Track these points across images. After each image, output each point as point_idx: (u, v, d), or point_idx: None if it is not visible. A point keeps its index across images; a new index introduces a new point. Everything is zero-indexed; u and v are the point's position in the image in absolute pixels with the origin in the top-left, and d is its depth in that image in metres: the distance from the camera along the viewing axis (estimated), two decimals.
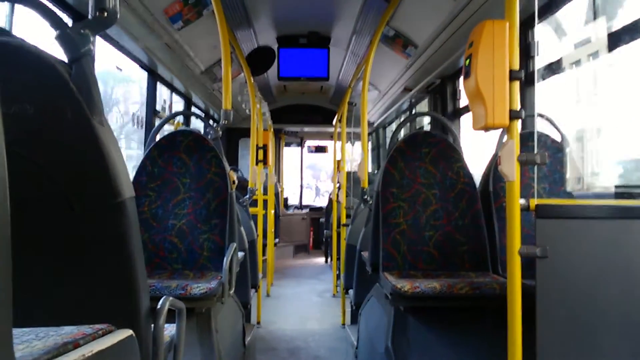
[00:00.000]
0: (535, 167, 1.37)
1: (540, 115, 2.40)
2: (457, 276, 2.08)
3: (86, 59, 0.91)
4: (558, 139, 2.41)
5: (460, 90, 3.79)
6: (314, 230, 8.29)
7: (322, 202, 9.11)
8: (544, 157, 1.26)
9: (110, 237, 0.92)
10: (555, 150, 2.36)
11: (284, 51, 4.62)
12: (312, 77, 4.76)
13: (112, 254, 0.92)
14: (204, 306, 1.92)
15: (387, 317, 2.04)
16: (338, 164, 5.18)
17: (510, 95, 1.28)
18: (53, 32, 0.92)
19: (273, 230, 5.30)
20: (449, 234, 2.30)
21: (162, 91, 3.88)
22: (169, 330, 1.13)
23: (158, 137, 2.49)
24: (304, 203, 8.74)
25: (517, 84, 1.29)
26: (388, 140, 6.54)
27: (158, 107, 3.72)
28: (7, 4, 1.99)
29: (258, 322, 3.77)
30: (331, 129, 5.95)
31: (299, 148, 8.73)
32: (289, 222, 7.79)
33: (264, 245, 4.92)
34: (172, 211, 2.27)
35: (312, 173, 10.40)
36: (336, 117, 5.26)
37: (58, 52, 0.93)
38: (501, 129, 1.35)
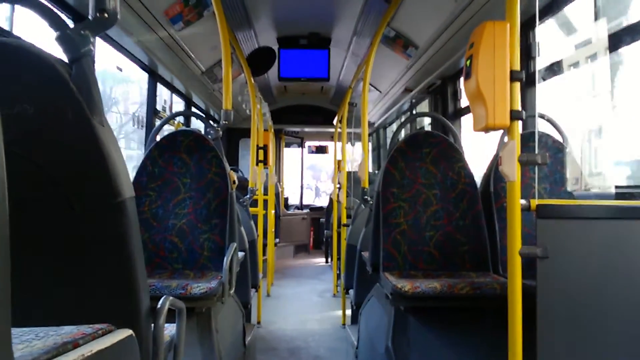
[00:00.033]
0: (536, 168, 1.37)
1: (541, 116, 2.40)
2: (457, 276, 2.08)
3: (86, 59, 0.91)
4: (559, 139, 2.41)
5: (461, 91, 3.79)
6: (314, 230, 8.29)
7: (322, 203, 9.11)
8: (545, 158, 1.26)
9: (110, 237, 0.92)
10: (556, 150, 2.36)
11: (284, 52, 4.62)
12: (313, 78, 4.76)
13: (112, 254, 0.92)
14: (204, 306, 1.92)
15: (388, 317, 2.04)
16: (338, 164, 5.18)
17: (511, 96, 1.28)
18: (53, 33, 0.92)
19: (273, 230, 5.30)
20: (450, 234, 2.30)
21: (162, 92, 3.88)
22: (169, 330, 1.13)
23: (158, 138, 2.49)
24: (304, 203, 8.75)
25: (517, 85, 1.29)
26: (388, 140, 6.54)
27: (158, 108, 3.73)
28: (7, 5, 2.00)
29: (258, 322, 3.77)
30: (332, 130, 5.95)
31: (300, 148, 8.73)
32: (289, 222, 7.79)
33: (264, 245, 4.92)
34: (172, 211, 2.28)
35: (312, 174, 10.40)
36: (337, 117, 5.26)
37: (58, 53, 0.93)
38: (502, 130, 1.35)
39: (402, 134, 4.64)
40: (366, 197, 3.04)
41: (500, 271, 2.22)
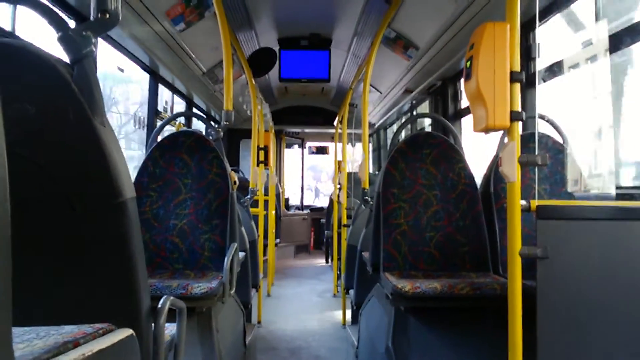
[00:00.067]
0: (536, 169, 1.37)
1: (541, 117, 2.40)
2: (457, 277, 2.08)
3: (88, 60, 0.92)
4: (559, 140, 2.41)
5: (461, 92, 3.79)
6: (314, 230, 8.29)
7: (322, 203, 9.11)
8: (545, 158, 1.26)
9: (111, 237, 0.92)
10: (556, 151, 2.36)
11: (285, 53, 4.63)
12: (313, 79, 4.77)
13: (113, 254, 0.92)
14: (204, 306, 1.93)
15: (388, 317, 2.04)
16: (339, 165, 5.18)
17: (511, 97, 1.28)
18: (55, 34, 0.92)
19: (274, 230, 5.30)
20: (450, 234, 2.30)
21: (163, 92, 3.89)
22: (170, 329, 1.14)
23: (159, 138, 2.50)
24: (304, 204, 8.75)
25: (517, 86, 1.30)
26: (389, 141, 6.54)
27: (159, 108, 3.73)
28: (9, 5, 2.00)
29: (259, 322, 3.77)
30: (332, 130, 5.96)
31: (300, 149, 8.73)
32: (289, 222, 7.80)
33: (265, 246, 4.92)
34: (173, 211, 2.28)
35: (312, 174, 10.39)
36: (337, 118, 5.26)
37: (59, 53, 0.93)
38: (502, 131, 1.35)
39: (403, 134, 4.65)
40: (366, 197, 3.04)
41: (500, 272, 2.22)
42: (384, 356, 1.97)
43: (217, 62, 4.09)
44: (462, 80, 3.70)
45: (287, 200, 8.37)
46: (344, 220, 4.19)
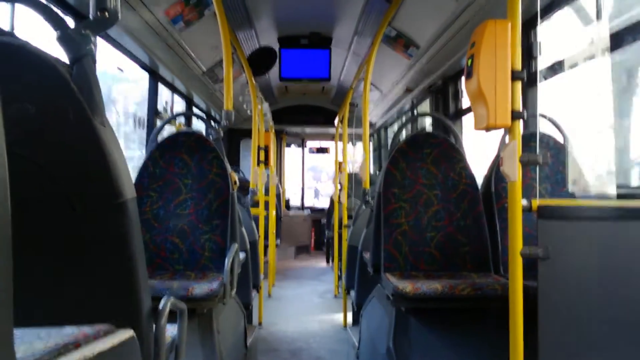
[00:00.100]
0: (537, 168, 1.37)
1: (543, 116, 2.39)
2: (458, 277, 2.07)
3: (87, 59, 0.91)
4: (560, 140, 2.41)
5: (462, 91, 3.78)
6: (315, 231, 8.29)
7: (322, 204, 9.11)
8: (546, 158, 1.26)
9: (111, 237, 0.91)
10: (557, 150, 2.36)
11: (285, 52, 4.62)
12: (314, 78, 4.76)
13: (114, 255, 0.92)
14: (205, 307, 1.92)
15: (389, 318, 2.04)
16: (340, 165, 5.18)
17: (512, 95, 1.28)
18: (53, 33, 0.92)
19: (274, 231, 5.30)
20: (451, 234, 2.29)
21: (162, 92, 3.88)
22: (171, 330, 1.13)
23: (159, 138, 2.49)
24: (305, 204, 8.75)
25: (519, 84, 1.29)
26: (389, 141, 6.54)
27: (159, 108, 3.73)
28: (8, 4, 2.00)
29: (259, 323, 3.77)
30: (333, 130, 5.95)
31: (300, 149, 8.73)
32: (290, 223, 7.79)
33: (266, 246, 4.92)
34: (173, 212, 2.27)
35: (312, 175, 10.39)
36: (337, 117, 5.26)
37: (58, 53, 0.93)
38: (503, 130, 1.35)
39: (403, 134, 4.65)
40: (367, 197, 3.04)
41: (501, 272, 2.21)
42: (385, 357, 1.97)
43: (217, 61, 4.08)
44: (462, 79, 3.69)
45: (287, 200, 8.37)
46: (345, 221, 4.19)
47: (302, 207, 8.59)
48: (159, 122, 3.49)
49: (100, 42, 2.73)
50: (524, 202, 1.25)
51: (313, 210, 8.46)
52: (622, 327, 1.26)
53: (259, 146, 4.04)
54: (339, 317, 3.94)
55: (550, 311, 1.23)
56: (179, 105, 4.43)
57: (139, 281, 0.93)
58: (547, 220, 1.24)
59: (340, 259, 4.63)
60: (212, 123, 5.45)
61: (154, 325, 1.00)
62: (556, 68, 2.42)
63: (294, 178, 8.94)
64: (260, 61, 4.59)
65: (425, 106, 4.71)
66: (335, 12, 3.90)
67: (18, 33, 2.00)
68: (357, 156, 5.62)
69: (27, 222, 0.87)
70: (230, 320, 2.29)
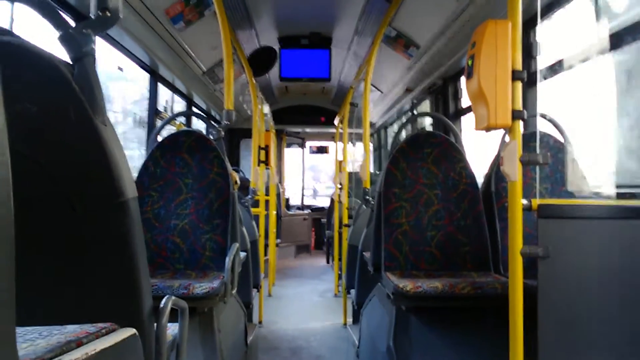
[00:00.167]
0: (537, 167, 1.37)
1: (543, 116, 2.40)
2: (459, 276, 2.08)
3: (88, 58, 0.91)
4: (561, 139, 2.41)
5: (461, 91, 3.78)
6: (315, 230, 8.29)
7: (322, 203, 9.12)
8: (546, 157, 1.26)
9: (113, 237, 0.92)
10: (557, 150, 2.36)
11: (285, 52, 4.62)
12: (314, 78, 4.76)
13: (115, 254, 0.92)
14: (206, 306, 1.93)
15: (389, 317, 2.04)
16: (340, 165, 5.18)
17: (512, 95, 1.28)
18: (51, 32, 0.92)
19: (275, 230, 5.30)
20: (451, 234, 2.30)
21: (161, 91, 3.88)
22: (172, 329, 1.14)
23: (159, 138, 2.49)
24: (305, 204, 8.75)
25: (519, 84, 1.29)
26: (389, 141, 6.54)
27: (159, 108, 3.73)
28: (8, 4, 2.00)
29: (260, 322, 3.77)
30: (333, 130, 5.95)
31: (301, 149, 8.73)
32: (290, 222, 7.80)
33: (266, 246, 4.92)
34: (174, 211, 2.28)
35: (312, 175, 10.40)
36: (338, 117, 5.26)
37: (57, 52, 0.93)
38: (503, 129, 1.35)
39: (403, 134, 4.65)
40: (367, 197, 3.04)
41: (501, 271, 2.22)
42: (385, 356, 1.97)
43: (217, 61, 4.08)
44: (462, 79, 3.70)
45: (287, 200, 8.37)
46: (345, 220, 4.19)
47: (302, 207, 8.60)
48: (159, 122, 3.49)
49: (98, 41, 2.72)
50: (524, 201, 1.26)
51: (313, 209, 8.47)
52: (622, 325, 1.26)
53: (259, 146, 4.05)
54: (339, 316, 3.95)
55: (550, 310, 1.23)
56: (179, 105, 4.44)
57: (140, 280, 0.93)
58: (547, 220, 1.24)
59: (340, 258, 4.63)
60: (213, 123, 5.45)
61: (155, 324, 1.00)
62: (556, 68, 2.42)
63: (294, 178, 8.94)
64: (260, 61, 4.59)
65: (425, 106, 4.71)
66: (336, 12, 3.90)
67: (17, 33, 2.00)
68: (357, 156, 5.62)
69: (29, 221, 0.88)
70: (230, 319, 2.30)
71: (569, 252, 1.26)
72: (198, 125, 5.42)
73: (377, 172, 6.49)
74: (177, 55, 3.48)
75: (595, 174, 2.15)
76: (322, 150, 8.85)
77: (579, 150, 2.32)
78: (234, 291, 2.11)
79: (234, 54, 3.64)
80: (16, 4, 1.99)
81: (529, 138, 2.21)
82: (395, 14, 3.15)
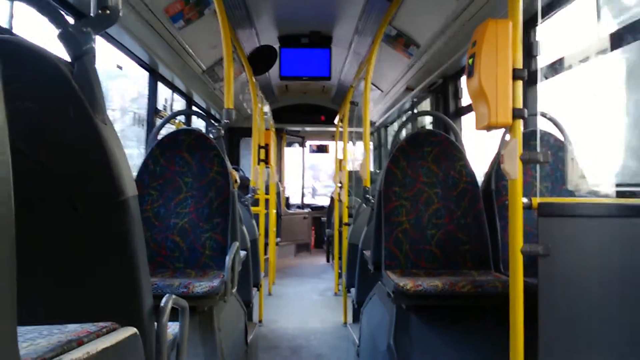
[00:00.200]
0: (538, 166, 1.37)
1: (543, 115, 2.40)
2: (459, 274, 2.08)
3: (88, 57, 0.91)
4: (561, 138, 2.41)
5: (461, 90, 3.78)
6: (315, 229, 8.30)
7: (322, 202, 9.13)
8: (547, 156, 1.26)
9: (113, 235, 0.92)
10: (558, 149, 2.36)
11: (285, 51, 4.62)
12: (314, 77, 4.76)
13: (115, 253, 0.92)
14: (206, 304, 1.93)
15: (389, 315, 2.04)
16: (340, 164, 5.18)
17: (513, 94, 1.28)
18: (50, 32, 0.92)
19: (275, 229, 5.30)
20: (451, 232, 2.30)
21: (161, 90, 3.87)
22: (172, 328, 1.14)
23: (159, 137, 2.49)
24: (305, 202, 8.75)
25: (520, 83, 1.29)
26: (389, 139, 6.54)
27: (159, 107, 3.72)
28: (7, 2, 2.00)
29: (260, 321, 3.78)
30: (333, 129, 5.95)
31: (301, 148, 8.73)
32: (290, 221, 7.80)
33: (266, 244, 4.92)
34: (174, 210, 2.28)
35: (312, 174, 10.41)
36: (338, 116, 5.26)
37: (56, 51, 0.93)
38: (503, 129, 1.35)
39: (404, 133, 4.64)
40: (368, 196, 3.04)
41: (501, 269, 2.22)
42: (386, 354, 1.97)
43: (217, 60, 4.08)
44: (462, 78, 3.69)
45: (287, 199, 8.37)
46: (345, 219, 4.19)
47: (302, 206, 8.60)
48: (158, 121, 3.49)
49: (96, 39, 2.72)
50: (525, 199, 1.26)
51: (313, 208, 8.47)
52: (622, 324, 1.26)
53: (259, 145, 4.04)
54: (339, 314, 3.95)
55: (550, 308, 1.23)
56: (178, 104, 4.43)
57: (140, 279, 0.93)
58: (547, 218, 1.24)
59: (340, 257, 4.63)
60: (212, 122, 5.44)
61: (156, 323, 1.00)
62: (557, 67, 2.42)
63: (294, 177, 8.95)
64: (260, 60, 4.58)
65: (425, 105, 4.71)
66: (336, 11, 3.89)
67: (17, 31, 2.00)
68: (357, 155, 5.62)
69: (30, 221, 0.87)
70: (231, 317, 2.30)
71: (569, 250, 1.26)
72: (197, 124, 5.42)
73: (377, 171, 6.49)
74: (176, 53, 3.48)
75: (595, 172, 2.15)
76: (322, 149, 8.85)
77: (579, 149, 2.33)
78: (234, 290, 2.11)
79: (234, 52, 3.64)
80: (16, 2, 1.99)
81: (529, 137, 2.21)
82: (395, 13, 3.14)
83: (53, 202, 0.90)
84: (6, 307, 0.44)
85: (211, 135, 2.42)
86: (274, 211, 5.27)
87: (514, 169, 1.26)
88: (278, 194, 6.72)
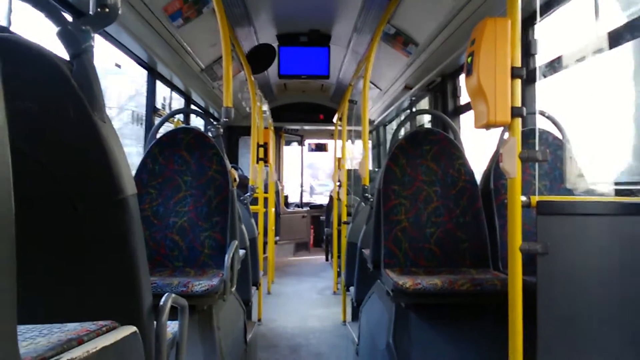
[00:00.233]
0: (536, 164, 1.37)
1: (542, 113, 2.40)
2: (458, 273, 2.08)
3: (87, 55, 0.91)
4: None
5: (460, 89, 3.78)
6: (314, 228, 8.30)
7: (321, 200, 9.13)
8: (545, 154, 1.26)
9: (112, 234, 0.91)
10: (556, 147, 2.37)
11: (284, 49, 4.61)
12: (313, 75, 4.75)
13: (115, 252, 0.92)
14: (205, 303, 1.93)
15: (389, 314, 2.04)
16: (339, 162, 5.18)
17: (512, 92, 1.28)
18: (49, 30, 0.91)
19: (274, 228, 5.30)
20: (450, 231, 2.30)
21: (159, 89, 3.87)
22: (171, 327, 1.14)
23: (157, 135, 2.49)
24: (304, 201, 8.75)
25: (518, 82, 1.30)
26: (388, 138, 6.54)
27: (157, 105, 3.72)
28: (5, 0, 1.99)
29: (259, 320, 3.78)
30: (332, 128, 5.95)
31: (299, 146, 8.73)
32: (289, 220, 7.80)
33: (265, 243, 4.93)
34: (173, 209, 2.27)
35: (310, 172, 10.41)
36: (337, 115, 5.26)
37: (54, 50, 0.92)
38: (502, 127, 1.35)
39: (402, 131, 4.64)
40: (367, 194, 3.04)
41: (500, 268, 2.22)
42: (385, 353, 1.98)
43: (216, 58, 4.07)
44: (461, 77, 3.70)
45: (286, 197, 8.37)
46: (344, 218, 4.19)
47: (301, 204, 8.60)
48: (156, 119, 3.48)
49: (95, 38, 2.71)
50: (523, 198, 1.26)
51: (312, 207, 8.47)
52: (621, 322, 1.27)
53: (258, 143, 4.04)
54: (338, 313, 3.96)
55: (549, 306, 1.23)
56: (177, 102, 4.42)
57: (140, 278, 0.93)
58: (546, 216, 1.25)
59: (339, 256, 4.64)
60: (211, 120, 5.44)
61: (155, 322, 1.00)
62: (555, 65, 2.42)
63: (293, 175, 8.95)
64: (259, 58, 4.57)
65: (424, 103, 4.71)
66: (335, 9, 3.89)
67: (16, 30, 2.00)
68: (356, 153, 5.62)
69: (30, 220, 0.87)
70: (230, 316, 2.30)
71: (568, 248, 1.26)
72: (195, 122, 5.41)
73: (376, 170, 6.50)
74: (175, 52, 3.47)
75: (593, 171, 2.16)
76: (321, 147, 8.84)
77: (577, 148, 2.33)
78: (233, 289, 2.11)
79: (232, 51, 3.64)
80: (15, 0, 1.98)
81: (528, 135, 2.22)
82: (394, 11, 3.14)
83: (53, 201, 0.90)
84: (6, 306, 0.44)
85: (210, 134, 2.42)
86: (273, 210, 5.27)
87: (513, 168, 1.27)
88: (277, 192, 6.71)
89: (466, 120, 3.73)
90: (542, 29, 2.56)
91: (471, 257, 2.27)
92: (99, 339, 0.76)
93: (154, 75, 3.59)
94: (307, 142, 8.76)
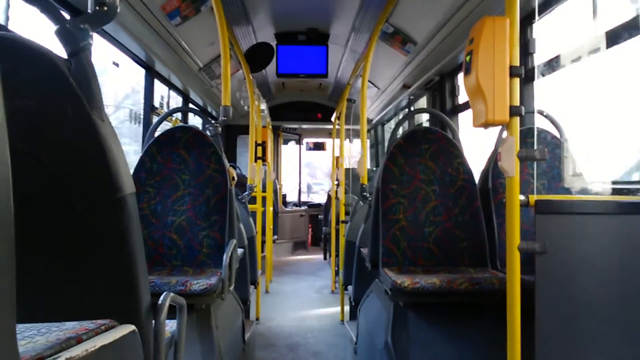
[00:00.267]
0: (535, 163, 1.38)
1: (540, 112, 2.40)
2: (456, 272, 2.09)
3: (85, 53, 0.91)
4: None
5: (458, 87, 3.79)
6: (312, 227, 8.30)
7: (318, 199, 9.13)
8: (544, 153, 1.26)
9: (111, 233, 0.91)
10: (554, 146, 2.37)
11: (282, 48, 4.61)
12: (311, 74, 4.75)
13: (113, 251, 0.92)
14: (203, 302, 1.92)
15: (387, 313, 2.05)
16: (337, 161, 5.18)
17: (510, 91, 1.28)
18: (47, 29, 0.91)
19: (272, 227, 5.30)
20: (449, 230, 2.30)
21: (157, 87, 3.85)
22: (170, 326, 1.13)
23: (155, 134, 2.48)
24: (302, 200, 8.75)
25: (517, 81, 1.30)
26: (386, 137, 6.54)
27: (155, 104, 3.71)
28: None
29: (257, 318, 3.78)
30: (330, 126, 5.95)
31: (297, 145, 8.73)
32: (287, 219, 7.80)
33: (263, 242, 4.93)
34: (171, 207, 2.27)
35: (308, 171, 10.41)
36: (335, 114, 5.26)
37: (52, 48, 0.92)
38: (500, 126, 1.36)
39: (401, 130, 4.65)
40: (365, 193, 3.05)
41: (498, 267, 2.23)
42: (383, 351, 1.98)
43: (214, 57, 4.06)
44: (459, 76, 3.70)
45: (284, 196, 8.37)
46: (342, 217, 4.20)
47: (300, 203, 8.60)
48: (154, 118, 3.47)
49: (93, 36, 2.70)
50: (522, 197, 1.26)
51: (310, 206, 8.47)
52: (619, 321, 1.27)
53: (256, 142, 4.04)
54: (336, 312, 3.96)
55: (547, 305, 1.24)
56: (175, 101, 4.41)
57: (138, 277, 0.93)
58: (544, 215, 1.25)
59: (337, 255, 4.64)
60: (209, 119, 5.43)
61: (154, 321, 1.00)
62: (554, 64, 2.42)
63: (291, 174, 8.95)
64: (257, 57, 4.57)
65: (422, 102, 4.71)
66: (333, 8, 3.88)
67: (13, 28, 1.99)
68: (354, 152, 5.63)
69: (29, 219, 0.87)
70: (228, 315, 2.30)
71: (566, 247, 1.27)
72: (193, 121, 5.40)
73: (374, 169, 6.50)
74: (173, 51, 3.46)
75: (591, 170, 2.16)
76: (319, 146, 8.84)
77: (575, 147, 2.34)
78: (232, 288, 2.11)
79: (230, 49, 3.63)
80: None
81: (526, 134, 2.22)
82: (392, 10, 3.14)
83: (52, 200, 0.90)
84: (5, 305, 0.44)
85: (208, 133, 2.41)
86: (271, 209, 5.26)
87: (511, 167, 1.27)
88: (275, 191, 6.72)
89: (464, 119, 3.74)
90: (541, 27, 2.57)
91: (469, 256, 2.27)
92: (98, 338, 0.76)
93: (152, 74, 3.58)
94: (305, 141, 8.76)
